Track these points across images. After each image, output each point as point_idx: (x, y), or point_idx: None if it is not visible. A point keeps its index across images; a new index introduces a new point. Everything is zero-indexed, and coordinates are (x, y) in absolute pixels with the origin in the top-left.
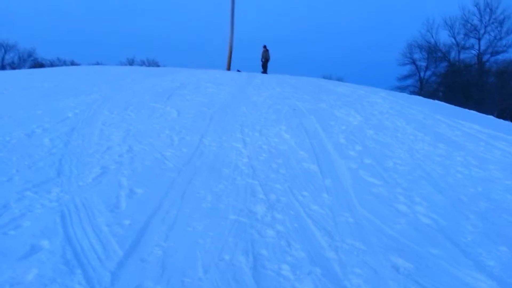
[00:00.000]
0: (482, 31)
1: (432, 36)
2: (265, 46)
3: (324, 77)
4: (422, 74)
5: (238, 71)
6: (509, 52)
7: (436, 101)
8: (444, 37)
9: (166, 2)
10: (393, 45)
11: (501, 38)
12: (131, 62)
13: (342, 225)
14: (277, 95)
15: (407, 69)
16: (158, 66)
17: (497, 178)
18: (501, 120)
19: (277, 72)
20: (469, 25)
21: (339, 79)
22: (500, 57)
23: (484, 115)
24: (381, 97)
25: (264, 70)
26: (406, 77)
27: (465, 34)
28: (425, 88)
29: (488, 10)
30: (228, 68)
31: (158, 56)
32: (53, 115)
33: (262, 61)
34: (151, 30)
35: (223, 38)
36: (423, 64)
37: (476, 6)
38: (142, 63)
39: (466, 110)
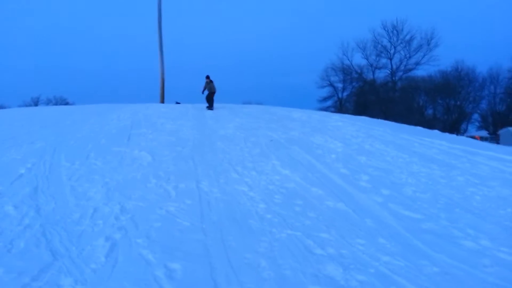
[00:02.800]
0: (392, 51)
1: (348, 59)
2: (208, 77)
3: (244, 103)
4: (340, 94)
5: (178, 103)
6: (418, 69)
7: (380, 120)
8: (358, 59)
9: (68, 33)
10: (312, 69)
11: (410, 57)
12: (36, 102)
13: (434, 278)
14: (242, 126)
15: (326, 91)
16: (67, 104)
17: (510, 195)
18: (449, 134)
19: (197, 102)
20: (379, 46)
21: (259, 103)
22: (411, 74)
23: (428, 129)
24: (339, 120)
25: (210, 105)
26: (325, 99)
27: (377, 55)
28: (344, 108)
29: (395, 31)
30: (162, 101)
31: (65, 93)
32: (1, 173)
33: (204, 93)
34: (54, 63)
35: (136, 69)
36: (340, 85)
37: (384, 28)
38: (49, 102)
39: (411, 126)
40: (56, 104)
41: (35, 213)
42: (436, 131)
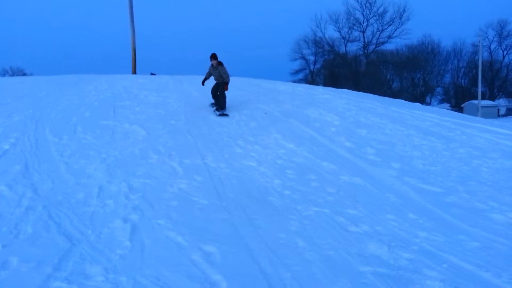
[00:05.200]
0: (365, 24)
1: (321, 31)
2: (214, 57)
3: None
4: (312, 67)
5: (153, 74)
6: (390, 42)
7: (362, 93)
8: (331, 32)
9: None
10: (285, 42)
11: (382, 30)
12: None
13: (479, 253)
14: (231, 99)
15: (298, 63)
16: (25, 74)
17: None
18: (430, 107)
19: (171, 73)
20: (352, 18)
21: (232, 75)
22: (383, 47)
23: (410, 102)
24: (325, 93)
25: (220, 104)
26: (297, 72)
27: (350, 28)
28: (316, 81)
29: (368, 4)
30: (134, 72)
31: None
32: None
33: (207, 84)
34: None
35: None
36: (312, 58)
37: (357, 0)
38: (5, 72)
39: (395, 99)
40: (13, 75)
41: (33, 194)
42: (417, 104)
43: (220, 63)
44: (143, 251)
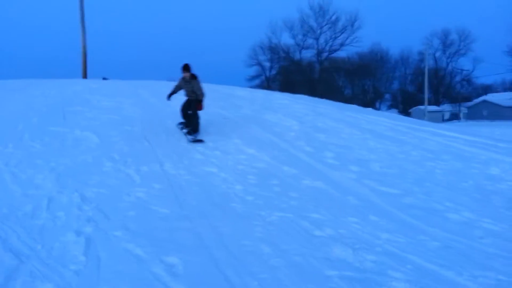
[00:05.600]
0: (318, 32)
1: (276, 38)
2: (186, 68)
3: (168, 80)
4: (267, 73)
5: (105, 78)
6: (343, 50)
7: (317, 98)
8: (286, 39)
9: None
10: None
11: (335, 38)
12: None
13: (440, 252)
14: None
15: (254, 69)
16: None
17: (464, 168)
18: (383, 112)
19: (124, 78)
20: (306, 26)
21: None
22: (335, 55)
23: (363, 107)
24: (283, 99)
25: (192, 125)
26: (254, 77)
27: (304, 35)
28: (272, 87)
29: (321, 12)
30: (85, 76)
31: None
32: None
33: (174, 98)
34: None
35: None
36: (267, 64)
37: (311, 8)
38: None
39: (349, 104)
40: None
41: None
42: (370, 109)
43: (194, 76)
44: (100, 266)
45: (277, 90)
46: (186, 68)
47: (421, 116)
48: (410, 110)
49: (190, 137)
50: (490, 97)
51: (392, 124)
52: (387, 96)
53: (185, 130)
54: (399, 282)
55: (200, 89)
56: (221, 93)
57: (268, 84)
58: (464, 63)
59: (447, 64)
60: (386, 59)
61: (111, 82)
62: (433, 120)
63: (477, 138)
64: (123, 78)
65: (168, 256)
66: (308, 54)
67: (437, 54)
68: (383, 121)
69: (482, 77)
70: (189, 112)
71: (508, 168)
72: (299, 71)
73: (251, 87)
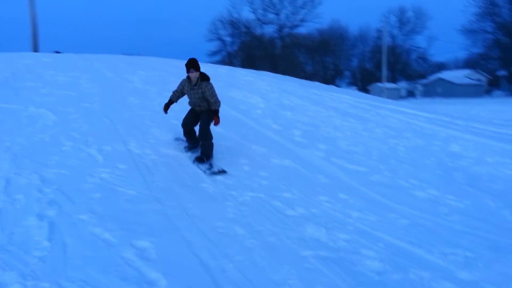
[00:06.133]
0: (279, 7)
1: (237, 12)
2: (194, 65)
3: (124, 54)
4: (229, 49)
5: (57, 52)
6: (303, 26)
7: (281, 75)
8: (247, 13)
9: None
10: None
11: (296, 13)
12: None
13: (410, 230)
14: (149, 79)
15: (215, 44)
16: None
17: (426, 145)
18: (344, 89)
19: (77, 52)
20: (267, 0)
21: (141, 55)
22: (296, 30)
23: (325, 85)
24: (247, 75)
25: (203, 148)
26: (215, 53)
27: (264, 9)
28: (234, 63)
29: None
30: (35, 49)
31: None
32: None
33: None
34: None
35: None
36: (229, 39)
37: None
38: None
39: (311, 81)
40: None
41: None
42: (332, 86)
43: (205, 77)
44: (66, 252)
45: (239, 66)
46: (193, 64)
47: (379, 93)
48: (369, 87)
49: (204, 166)
50: (445, 74)
51: (355, 102)
52: (346, 73)
53: (194, 158)
54: (372, 261)
55: (214, 95)
56: (180, 69)
57: (230, 59)
58: (420, 41)
59: (404, 41)
60: (346, 36)
61: (65, 55)
62: (390, 97)
63: (436, 115)
64: (77, 51)
65: (139, 240)
66: (269, 30)
67: (394, 32)
68: (346, 98)
69: (437, 55)
70: (200, 126)
71: (467, 145)
72: (260, 47)
73: (212, 62)
